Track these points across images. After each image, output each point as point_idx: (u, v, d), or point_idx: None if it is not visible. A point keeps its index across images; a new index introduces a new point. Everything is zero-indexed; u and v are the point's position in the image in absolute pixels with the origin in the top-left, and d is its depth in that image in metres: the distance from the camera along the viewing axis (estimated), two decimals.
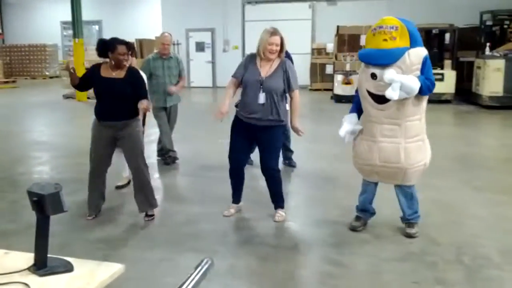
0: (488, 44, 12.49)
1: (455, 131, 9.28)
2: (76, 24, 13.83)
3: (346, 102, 12.84)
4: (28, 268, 1.91)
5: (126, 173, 5.47)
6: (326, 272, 3.55)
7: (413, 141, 3.88)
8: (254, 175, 5.43)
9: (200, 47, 17.99)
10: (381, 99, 3.82)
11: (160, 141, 6.64)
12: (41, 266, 1.90)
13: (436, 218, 4.54)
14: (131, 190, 4.70)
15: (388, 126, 3.87)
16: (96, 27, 22.93)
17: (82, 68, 13.78)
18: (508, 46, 12.50)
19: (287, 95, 4.48)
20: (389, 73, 3.66)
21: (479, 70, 12.02)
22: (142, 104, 4.25)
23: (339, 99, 13.20)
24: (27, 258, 1.97)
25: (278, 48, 4.22)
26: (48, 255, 1.93)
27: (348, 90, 13.07)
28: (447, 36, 13.06)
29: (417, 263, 3.65)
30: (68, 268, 1.93)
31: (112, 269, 1.94)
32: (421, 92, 3.72)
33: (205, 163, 6.72)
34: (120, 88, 4.28)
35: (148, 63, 6.18)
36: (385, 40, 3.69)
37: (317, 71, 16.07)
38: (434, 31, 12.99)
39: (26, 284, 1.80)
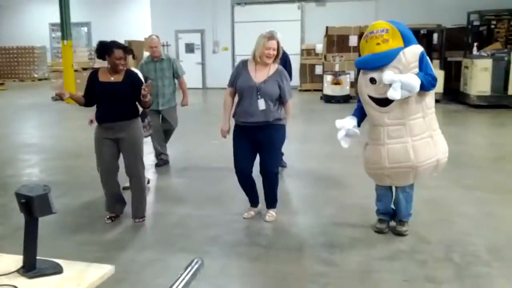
0: (475, 44, 12.59)
1: (444, 130, 9.25)
2: (64, 26, 13.74)
3: (336, 103, 12.91)
4: (17, 271, 1.90)
5: None
6: (317, 271, 3.56)
7: (420, 138, 3.88)
8: None
9: (189, 48, 17.96)
10: (383, 102, 3.83)
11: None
12: (30, 268, 1.89)
13: (426, 216, 4.57)
14: (126, 193, 4.70)
15: (393, 127, 3.87)
16: (85, 28, 22.81)
17: (71, 70, 13.72)
18: (495, 46, 12.62)
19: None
20: (387, 74, 3.67)
21: (467, 69, 12.11)
22: (143, 91, 4.15)
23: (328, 99, 13.24)
24: (16, 260, 1.96)
25: (275, 52, 4.22)
26: (37, 257, 1.93)
27: (338, 91, 13.12)
28: (435, 36, 13.16)
29: (407, 261, 3.67)
30: (57, 270, 1.92)
31: (102, 270, 1.94)
32: (424, 88, 3.73)
33: (197, 164, 6.72)
34: (119, 91, 4.27)
35: (142, 67, 6.18)
36: (378, 44, 3.73)
37: (307, 72, 16.11)
38: (422, 32, 13.06)
39: (15, 287, 1.79)
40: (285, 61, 5.34)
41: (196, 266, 1.67)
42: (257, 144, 4.39)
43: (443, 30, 13.21)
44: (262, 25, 17.23)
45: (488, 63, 11.47)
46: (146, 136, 5.35)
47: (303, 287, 3.40)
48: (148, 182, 5.61)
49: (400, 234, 4.12)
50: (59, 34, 15.94)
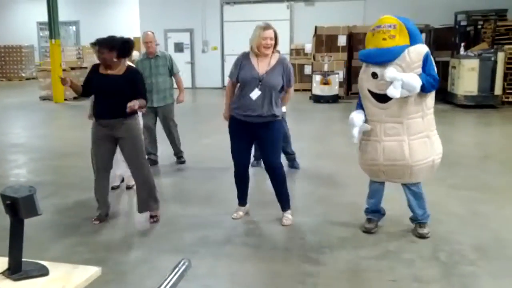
0: (462, 44, 12.70)
1: None
2: (52, 25, 13.64)
3: (325, 102, 12.95)
4: (2, 273, 1.89)
5: (119, 171, 5.44)
6: (305, 271, 3.57)
7: (417, 138, 3.88)
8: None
9: (179, 48, 17.91)
10: (382, 98, 3.83)
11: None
12: (15, 270, 1.88)
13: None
14: (115, 193, 4.67)
15: (391, 125, 3.88)
16: (74, 27, 22.67)
17: (59, 69, 13.62)
18: (482, 46, 12.73)
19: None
20: (390, 71, 3.68)
21: (454, 69, 12.21)
22: (130, 102, 4.14)
23: (317, 99, 13.27)
24: (1, 262, 1.95)
25: (273, 42, 4.18)
26: (23, 259, 1.92)
27: (326, 90, 13.16)
28: (423, 36, 13.24)
29: (395, 261, 3.70)
30: (43, 272, 1.91)
31: (88, 272, 1.94)
32: (424, 90, 3.74)
33: (186, 164, 6.69)
34: (117, 85, 4.23)
35: (137, 65, 6.16)
36: (384, 39, 3.72)
37: (296, 72, 16.11)
38: None
39: None
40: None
41: (183, 267, 1.67)
42: (256, 140, 4.42)
43: (430, 30, 13.30)
44: (251, 25, 17.10)
45: (475, 63, 11.57)
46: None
47: (291, 287, 3.41)
48: (122, 181, 5.60)
49: (422, 236, 4.06)
50: (47, 33, 15.82)
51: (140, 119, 4.65)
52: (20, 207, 1.82)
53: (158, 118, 6.47)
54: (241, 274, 3.62)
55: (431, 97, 3.94)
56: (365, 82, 3.95)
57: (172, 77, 6.48)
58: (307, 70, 15.51)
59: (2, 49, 21.35)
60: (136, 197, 4.56)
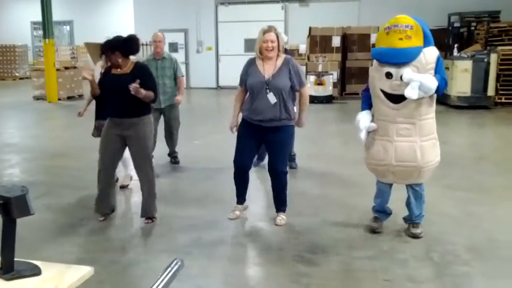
0: (456, 45, 12.77)
1: None
2: (46, 24, 13.58)
3: (319, 103, 12.96)
4: None
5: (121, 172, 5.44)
6: (299, 271, 3.57)
7: (428, 139, 3.89)
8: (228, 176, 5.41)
9: (173, 48, 17.87)
10: (396, 98, 3.80)
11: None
12: (7, 270, 1.87)
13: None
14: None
15: (403, 125, 3.85)
16: (67, 27, 22.60)
17: (53, 69, 13.58)
18: (475, 47, 12.81)
19: (296, 93, 4.43)
20: (408, 72, 3.65)
21: (447, 70, 12.20)
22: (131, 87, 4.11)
23: (311, 100, 13.19)
24: None
25: (275, 44, 4.17)
26: (15, 259, 1.91)
27: (321, 91, 13.17)
28: None
29: (388, 261, 3.71)
30: (35, 271, 1.90)
31: (81, 272, 1.93)
32: (438, 91, 3.74)
33: (180, 164, 6.68)
34: (125, 83, 4.18)
35: None
36: (401, 39, 3.68)
37: None
38: None
39: None
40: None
41: (176, 267, 1.67)
42: (265, 144, 4.40)
43: None
44: (245, 25, 17.48)
45: (468, 64, 11.63)
46: (95, 136, 5.38)
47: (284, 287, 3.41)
48: (117, 181, 5.57)
49: (415, 236, 4.08)
50: (40, 32, 15.78)
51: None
52: (12, 207, 1.81)
53: (162, 119, 6.49)
54: (234, 274, 3.61)
55: (435, 99, 3.96)
56: (377, 82, 3.89)
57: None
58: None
59: None
60: (142, 201, 4.54)
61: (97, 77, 5.01)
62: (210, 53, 17.67)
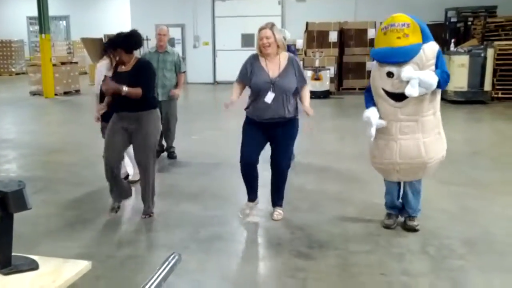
0: (453, 40, 12.77)
1: None
2: (42, 19, 13.52)
3: (316, 98, 12.90)
4: None
5: (124, 169, 5.43)
6: (296, 266, 3.59)
7: (431, 134, 3.91)
8: (225, 172, 5.43)
9: (170, 43, 17.70)
10: (398, 97, 3.81)
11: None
12: (5, 265, 1.88)
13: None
14: (107, 188, 4.65)
15: (406, 123, 3.86)
16: (64, 22, 22.51)
17: (50, 64, 13.53)
18: (472, 42, 12.81)
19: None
20: (407, 71, 3.66)
21: None
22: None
23: None
24: None
25: (270, 40, 4.11)
26: (13, 254, 1.91)
27: (318, 86, 13.16)
28: None
29: (385, 255, 3.73)
30: (33, 266, 1.91)
31: (78, 266, 1.94)
32: (440, 86, 3.75)
33: (177, 160, 6.68)
34: (125, 80, 4.22)
35: (145, 56, 6.15)
36: (399, 37, 3.68)
37: None
38: None
39: None
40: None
41: (173, 261, 1.68)
42: (269, 138, 4.33)
43: None
44: (242, 20, 17.45)
45: (465, 59, 11.63)
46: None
47: (281, 282, 3.42)
48: (127, 177, 5.59)
49: (411, 229, 4.11)
50: (37, 27, 15.69)
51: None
52: (9, 201, 1.82)
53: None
54: (231, 269, 3.63)
55: (439, 94, 3.96)
56: (379, 82, 3.90)
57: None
58: None
59: None
60: (141, 198, 4.54)
61: (99, 78, 5.04)
62: (207, 48, 17.63)
